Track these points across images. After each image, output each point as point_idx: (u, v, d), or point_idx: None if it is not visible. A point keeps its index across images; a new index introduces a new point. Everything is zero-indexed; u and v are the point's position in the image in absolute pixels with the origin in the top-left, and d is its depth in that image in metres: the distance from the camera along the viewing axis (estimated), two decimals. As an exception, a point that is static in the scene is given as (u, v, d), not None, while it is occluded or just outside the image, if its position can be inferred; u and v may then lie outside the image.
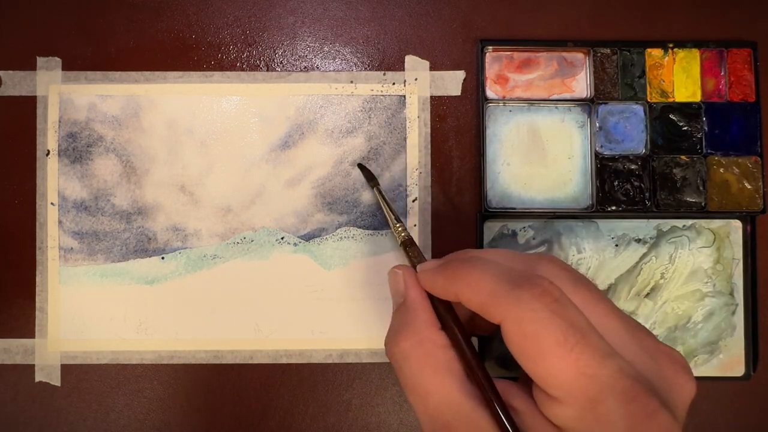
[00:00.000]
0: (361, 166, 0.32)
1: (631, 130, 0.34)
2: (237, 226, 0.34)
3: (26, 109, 0.34)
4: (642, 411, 0.16)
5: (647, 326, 0.30)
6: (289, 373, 0.34)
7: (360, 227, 0.34)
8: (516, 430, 0.18)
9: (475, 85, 0.34)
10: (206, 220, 0.34)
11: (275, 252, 0.34)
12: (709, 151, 0.34)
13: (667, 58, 0.34)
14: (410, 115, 0.34)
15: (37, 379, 0.33)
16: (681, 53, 0.34)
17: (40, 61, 0.34)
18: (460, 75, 0.35)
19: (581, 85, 0.34)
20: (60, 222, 0.34)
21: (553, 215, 0.34)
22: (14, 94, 0.34)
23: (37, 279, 0.33)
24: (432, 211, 0.34)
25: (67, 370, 0.33)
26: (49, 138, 0.34)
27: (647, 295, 0.34)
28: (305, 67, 0.35)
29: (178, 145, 0.34)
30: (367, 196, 0.34)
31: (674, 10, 0.35)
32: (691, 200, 0.33)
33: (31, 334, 0.33)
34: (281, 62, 0.35)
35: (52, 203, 0.34)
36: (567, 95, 0.34)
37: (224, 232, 0.34)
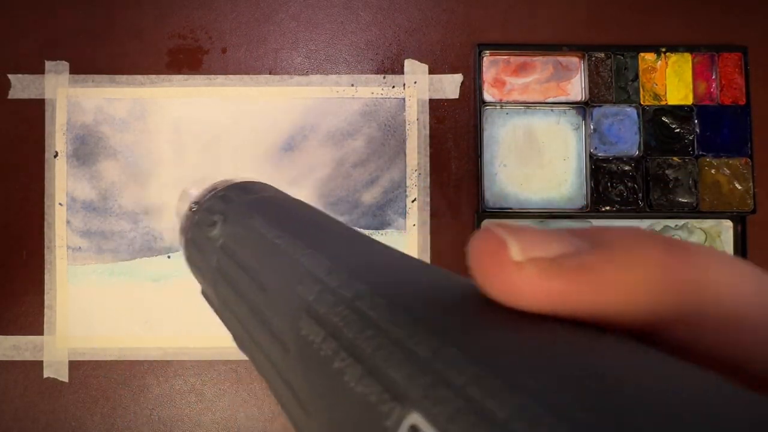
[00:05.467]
0: None
1: (624, 132, 0.35)
2: (241, 226, 0.35)
3: (35, 111, 0.35)
4: None
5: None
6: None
7: (360, 227, 0.35)
8: None
9: (472, 88, 0.35)
10: (211, 220, 0.35)
11: (278, 251, 0.35)
12: (700, 152, 0.34)
13: (660, 62, 0.35)
14: (409, 118, 0.35)
15: (45, 375, 0.34)
16: (673, 57, 0.35)
17: (49, 65, 0.35)
18: (458, 78, 0.35)
19: (576, 88, 0.35)
20: (68, 222, 0.34)
21: (549, 215, 0.34)
22: (23, 97, 0.35)
23: (46, 277, 0.34)
24: (431, 210, 0.35)
25: (74, 366, 0.34)
26: (57, 140, 0.35)
27: (641, 293, 0.35)
28: (307, 71, 0.35)
29: (183, 146, 0.35)
30: (367, 196, 0.35)
31: (667, 16, 0.36)
32: (683, 200, 0.34)
33: (39, 332, 0.34)
34: (284, 66, 0.35)
35: (60, 204, 0.34)
36: (562, 98, 0.35)
37: (228, 231, 0.35)
